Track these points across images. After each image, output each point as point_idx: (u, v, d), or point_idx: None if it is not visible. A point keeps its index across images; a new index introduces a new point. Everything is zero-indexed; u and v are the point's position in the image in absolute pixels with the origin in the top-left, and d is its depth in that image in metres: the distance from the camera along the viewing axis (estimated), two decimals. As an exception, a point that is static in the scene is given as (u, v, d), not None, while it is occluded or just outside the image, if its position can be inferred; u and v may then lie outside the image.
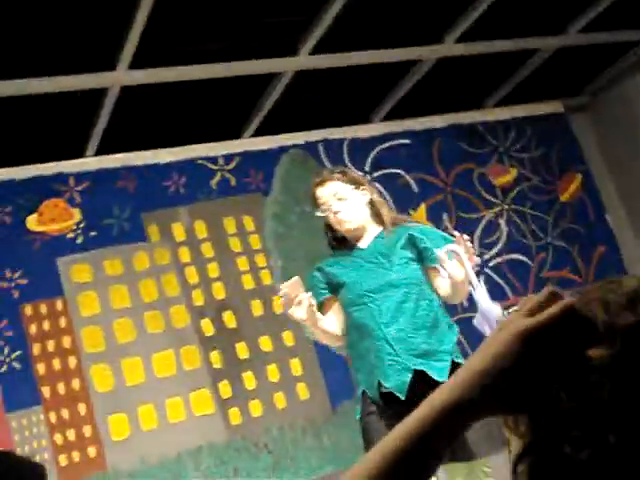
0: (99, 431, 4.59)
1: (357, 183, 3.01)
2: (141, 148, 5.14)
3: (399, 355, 2.72)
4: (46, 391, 4.57)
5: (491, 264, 5.80)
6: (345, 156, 5.68)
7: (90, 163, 5.01)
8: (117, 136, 4.91)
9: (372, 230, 2.96)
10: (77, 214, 4.92)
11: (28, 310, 4.67)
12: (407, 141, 5.89)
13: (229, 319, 5.03)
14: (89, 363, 4.68)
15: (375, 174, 5.71)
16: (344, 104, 5.63)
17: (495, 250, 5.86)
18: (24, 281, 4.69)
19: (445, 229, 5.78)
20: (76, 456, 4.49)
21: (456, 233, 2.72)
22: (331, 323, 2.99)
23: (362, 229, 2.95)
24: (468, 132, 6.10)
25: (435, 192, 5.85)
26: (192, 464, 4.69)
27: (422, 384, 2.67)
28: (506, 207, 6.05)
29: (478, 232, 5.85)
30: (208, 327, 4.99)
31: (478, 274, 5.71)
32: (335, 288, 2.94)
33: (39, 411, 4.52)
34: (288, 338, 5.12)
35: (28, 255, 4.74)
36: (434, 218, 5.76)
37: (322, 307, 2.98)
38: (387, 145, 5.82)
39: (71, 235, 4.88)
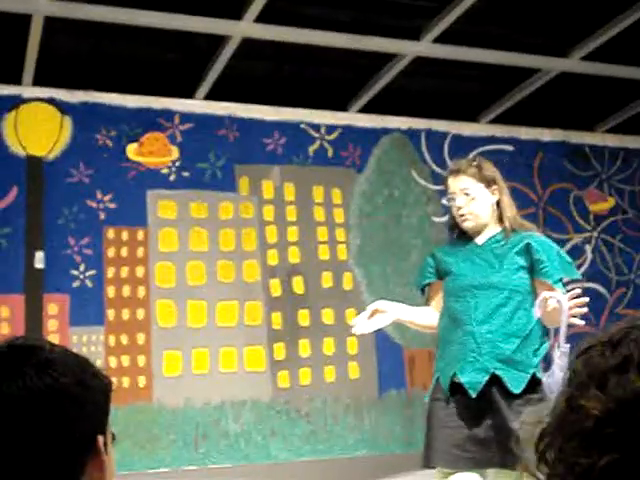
0: (152, 363, 4.72)
1: (490, 181, 3.00)
2: (248, 102, 5.21)
3: (482, 355, 2.75)
4: (111, 314, 4.72)
5: (568, 289, 5.69)
6: (445, 150, 5.64)
7: (198, 106, 5.11)
8: (228, 85, 4.98)
9: (492, 228, 2.96)
10: (175, 152, 5.03)
11: (110, 233, 4.81)
12: (510, 148, 5.81)
13: (298, 284, 5.09)
14: (156, 297, 4.80)
15: (471, 174, 5.66)
16: (454, 98, 5.58)
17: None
18: (112, 205, 4.83)
19: (529, 243, 5.70)
20: (125, 382, 4.62)
21: (571, 292, 2.65)
22: (426, 313, 3.07)
23: (482, 226, 2.96)
24: (574, 152, 5.98)
25: (527, 205, 5.76)
26: (232, 415, 4.78)
27: (495, 389, 2.72)
28: (595, 235, 5.92)
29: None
30: (276, 288, 5.05)
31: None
32: (442, 274, 2.99)
33: (100, 332, 4.67)
34: (351, 315, 5.13)
35: (121, 181, 4.88)
36: (520, 230, 5.69)
37: (427, 290, 3.08)
38: (489, 148, 5.75)
39: (165, 171, 4.99)
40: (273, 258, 5.10)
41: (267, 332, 4.97)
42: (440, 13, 4.47)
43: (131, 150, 4.93)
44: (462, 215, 2.93)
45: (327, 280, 5.17)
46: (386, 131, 5.54)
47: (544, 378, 2.68)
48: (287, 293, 5.06)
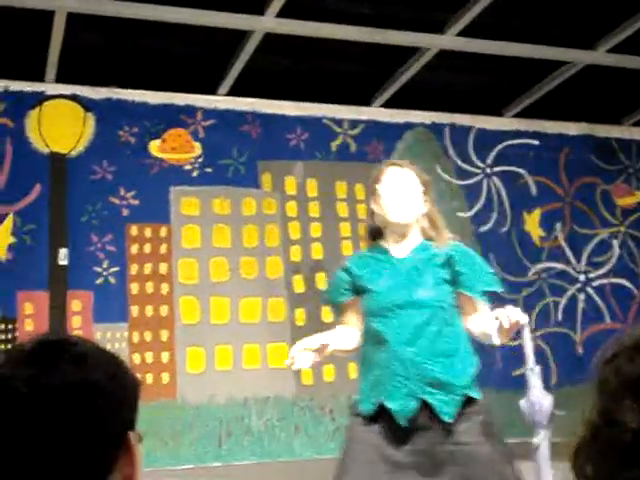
0: (176, 360, 4.71)
1: (426, 190, 2.77)
2: (271, 97, 5.19)
3: (409, 379, 2.54)
4: (134, 311, 4.72)
5: (595, 284, 5.64)
6: (470, 144, 5.59)
7: (220, 101, 5.09)
8: (251, 81, 4.96)
9: (413, 238, 2.73)
10: (198, 148, 5.02)
11: (133, 230, 4.81)
12: (535, 142, 5.75)
13: (321, 280, 5.06)
14: (180, 293, 4.80)
15: (495, 169, 5.61)
16: (478, 92, 5.53)
17: (602, 271, 5.68)
18: (135, 202, 4.83)
19: (556, 239, 5.64)
20: (149, 378, 4.63)
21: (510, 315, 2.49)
22: (351, 336, 2.81)
23: (408, 229, 2.71)
24: (601, 146, 5.91)
25: (554, 199, 5.70)
26: (256, 412, 4.77)
27: (425, 416, 2.53)
28: (623, 229, 5.85)
29: (589, 249, 5.69)
30: (299, 284, 5.03)
31: (580, 292, 5.60)
32: (359, 292, 2.76)
33: (124, 328, 4.68)
34: (374, 312, 5.13)
35: (144, 178, 4.88)
36: (547, 226, 5.63)
37: (342, 310, 2.84)
38: (515, 142, 5.69)
39: (188, 167, 4.99)
40: (296, 254, 5.08)
41: (290, 328, 4.95)
42: (464, 6, 4.42)
43: (154, 146, 4.93)
44: (401, 207, 2.67)
45: (351, 276, 5.13)
46: (409, 126, 5.49)
47: (521, 402, 2.51)
48: (310, 289, 5.04)
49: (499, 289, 2.84)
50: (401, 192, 2.70)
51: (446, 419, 2.52)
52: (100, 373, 1.08)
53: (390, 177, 2.73)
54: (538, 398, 2.45)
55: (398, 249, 2.73)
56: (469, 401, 2.60)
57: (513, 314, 2.47)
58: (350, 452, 2.60)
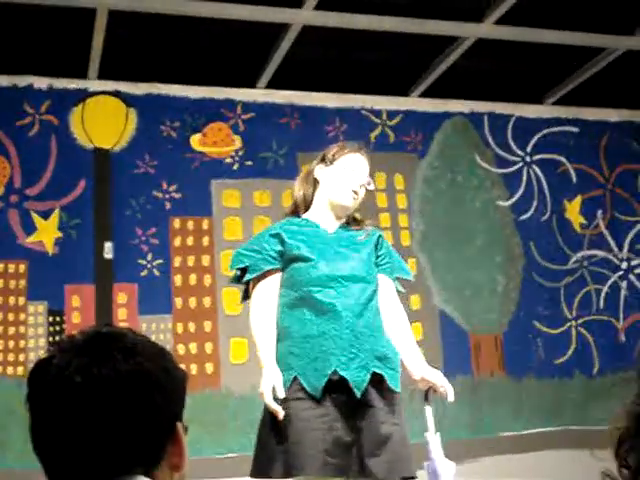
0: (219, 350, 4.78)
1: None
2: (309, 89, 5.22)
3: (362, 351, 2.49)
4: (179, 302, 4.80)
5: (638, 271, 5.60)
6: (509, 132, 5.57)
7: (259, 95, 5.14)
8: (289, 73, 4.99)
9: (339, 219, 2.71)
10: (238, 141, 5.08)
11: (176, 223, 4.89)
12: (575, 129, 5.71)
13: (361, 271, 5.08)
14: (222, 285, 4.85)
15: (535, 157, 5.59)
16: (517, 80, 5.50)
17: (644, 258, 5.65)
18: (178, 195, 4.90)
19: (597, 226, 5.61)
20: (194, 369, 4.70)
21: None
22: (273, 329, 2.61)
23: (344, 213, 2.70)
24: (641, 131, 5.85)
25: (594, 187, 5.66)
26: (299, 401, 4.81)
27: (372, 388, 2.46)
28: (663, 214, 5.79)
29: (631, 236, 5.64)
30: (340, 274, 5.06)
31: (622, 279, 5.55)
32: (288, 260, 2.62)
33: (169, 320, 4.76)
34: (415, 302, 5.14)
35: (186, 172, 4.94)
36: (588, 213, 5.59)
37: (261, 276, 2.61)
38: (554, 130, 5.66)
39: (229, 160, 5.04)
40: (336, 245, 5.10)
41: (332, 319, 4.98)
42: (502, -6, 4.41)
43: (195, 140, 4.99)
44: (357, 197, 2.65)
45: (391, 266, 5.15)
46: (448, 115, 5.49)
47: (425, 465, 2.47)
48: (351, 280, 5.06)
49: (410, 277, 2.78)
50: (363, 180, 2.67)
51: (397, 389, 2.50)
52: (151, 363, 1.11)
53: (358, 164, 2.70)
54: (441, 461, 2.42)
55: (326, 224, 2.68)
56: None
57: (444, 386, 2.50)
58: (304, 439, 2.40)
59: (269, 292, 2.59)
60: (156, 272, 4.78)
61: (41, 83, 4.80)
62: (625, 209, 5.67)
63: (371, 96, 5.33)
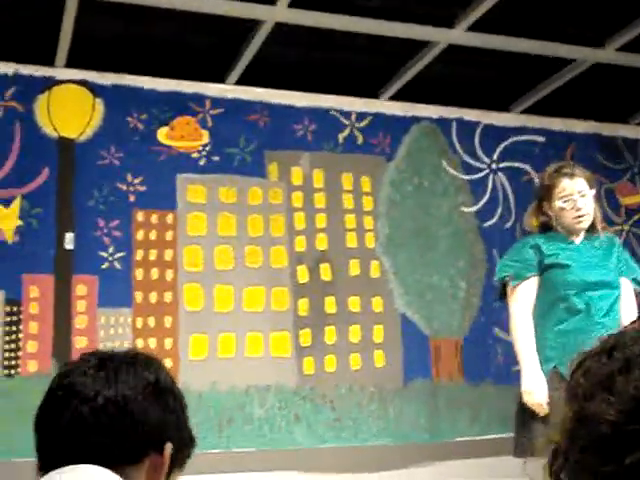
0: (179, 346, 4.74)
1: (591, 185, 3.14)
2: (279, 87, 5.20)
3: None
4: (139, 297, 4.74)
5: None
6: (476, 139, 5.60)
7: (229, 90, 5.11)
8: (260, 71, 4.97)
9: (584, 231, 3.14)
10: (205, 136, 5.04)
11: (140, 216, 4.83)
12: (542, 139, 5.76)
13: (325, 271, 5.08)
14: (184, 280, 4.82)
15: (501, 164, 5.63)
16: (486, 87, 5.54)
17: (604, 269, 5.71)
18: (142, 188, 4.85)
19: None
20: (152, 364, 4.64)
21: None
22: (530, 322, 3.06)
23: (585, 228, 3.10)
24: (606, 144, 5.92)
25: (558, 196, 5.71)
26: (258, 400, 4.79)
27: None
28: (626, 228, 5.86)
29: (592, 246, 5.71)
30: (303, 274, 5.05)
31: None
32: (545, 268, 3.03)
33: (128, 314, 4.70)
34: (377, 304, 5.15)
35: (151, 165, 4.89)
36: (550, 222, 5.64)
37: (523, 283, 3.06)
38: (521, 138, 5.71)
39: (195, 155, 5.00)
40: (301, 244, 5.10)
41: (293, 318, 4.97)
42: (475, 1, 4.43)
43: (162, 133, 4.94)
44: (583, 216, 3.02)
45: (354, 268, 5.16)
46: (417, 119, 5.51)
47: None
48: (314, 280, 5.06)
49: None
50: (581, 203, 3.04)
51: None
52: (166, 375, 1.30)
53: (567, 189, 3.06)
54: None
55: (574, 238, 3.07)
56: None
57: None
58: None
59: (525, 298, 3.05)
60: (117, 265, 4.72)
61: (7, 68, 4.72)
62: (587, 220, 5.73)
63: (341, 97, 5.33)
